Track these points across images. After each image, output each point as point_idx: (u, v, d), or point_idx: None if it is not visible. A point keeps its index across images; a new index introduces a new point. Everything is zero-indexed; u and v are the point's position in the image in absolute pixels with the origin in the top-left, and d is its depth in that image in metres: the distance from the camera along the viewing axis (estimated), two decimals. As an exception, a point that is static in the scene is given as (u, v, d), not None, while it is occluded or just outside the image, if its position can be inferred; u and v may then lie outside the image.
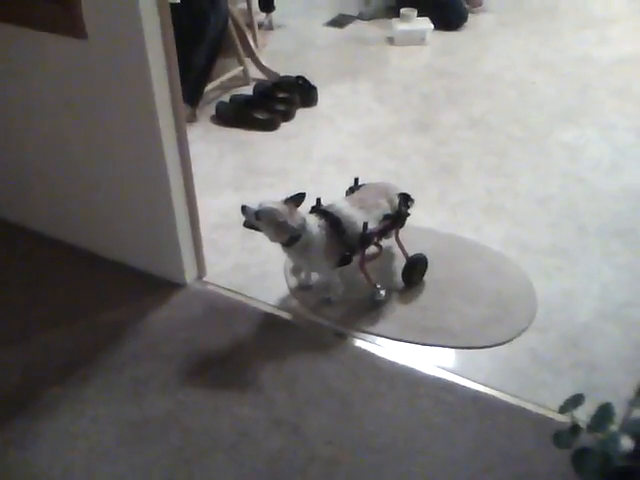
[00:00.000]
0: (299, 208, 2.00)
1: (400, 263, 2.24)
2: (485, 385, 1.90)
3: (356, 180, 2.21)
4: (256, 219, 1.95)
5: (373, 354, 2.01)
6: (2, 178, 2.44)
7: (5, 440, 1.76)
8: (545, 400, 1.84)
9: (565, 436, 1.15)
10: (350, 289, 2.19)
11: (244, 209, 1.97)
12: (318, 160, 2.94)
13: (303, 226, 1.97)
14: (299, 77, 3.43)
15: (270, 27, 4.29)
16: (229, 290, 2.23)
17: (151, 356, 2.00)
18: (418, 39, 4.04)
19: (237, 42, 3.45)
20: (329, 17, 4.44)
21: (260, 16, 4.20)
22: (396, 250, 2.27)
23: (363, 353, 2.01)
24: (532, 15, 4.51)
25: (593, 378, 1.91)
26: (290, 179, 2.79)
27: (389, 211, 2.12)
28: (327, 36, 4.24)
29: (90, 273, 2.32)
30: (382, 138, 3.11)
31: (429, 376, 1.93)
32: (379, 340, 2.05)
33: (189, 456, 1.71)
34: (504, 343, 2.03)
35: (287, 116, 3.23)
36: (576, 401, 1.18)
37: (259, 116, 3.20)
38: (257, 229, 1.99)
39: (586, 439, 1.13)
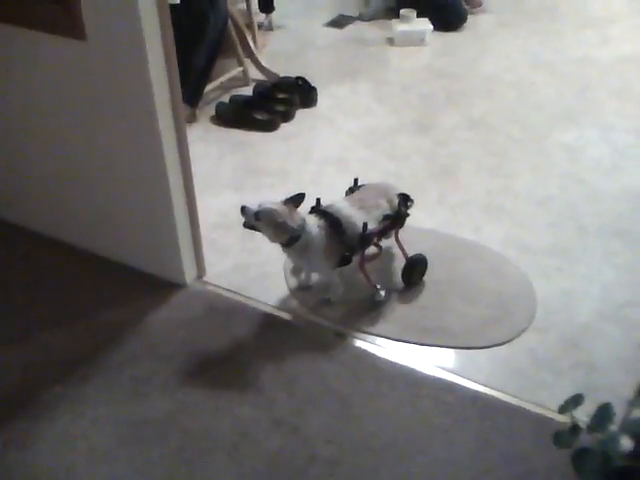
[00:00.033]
0: (299, 208, 2.00)
1: (400, 263, 2.24)
2: (485, 385, 1.90)
3: (356, 180, 2.22)
4: (256, 219, 1.95)
5: (373, 354, 2.01)
6: (2, 178, 2.44)
7: (5, 440, 1.76)
8: (545, 400, 1.84)
9: (565, 436, 1.15)
10: (350, 289, 2.19)
11: (244, 210, 1.97)
12: (318, 161, 2.94)
13: (303, 226, 1.97)
14: (299, 78, 3.43)
15: (270, 28, 4.29)
16: (229, 290, 2.24)
17: (151, 356, 2.00)
18: (418, 40, 4.04)
19: (237, 43, 3.45)
20: (329, 18, 4.44)
21: (260, 17, 4.20)
22: (396, 250, 2.27)
23: (363, 353, 2.01)
24: (532, 16, 4.51)
25: (593, 378, 1.92)
26: (290, 179, 2.79)
27: (389, 211, 2.12)
28: (327, 37, 4.24)
29: (90, 273, 2.32)
30: (382, 139, 3.11)
31: (429, 376, 1.93)
32: (379, 340, 2.05)
33: (189, 456, 1.72)
34: (504, 343, 2.03)
35: (287, 117, 3.23)
36: (576, 401, 1.18)
37: (259, 117, 3.20)
38: (257, 229, 1.99)
39: (586, 439, 1.13)
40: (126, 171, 2.08)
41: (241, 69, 3.54)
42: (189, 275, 2.25)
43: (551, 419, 1.78)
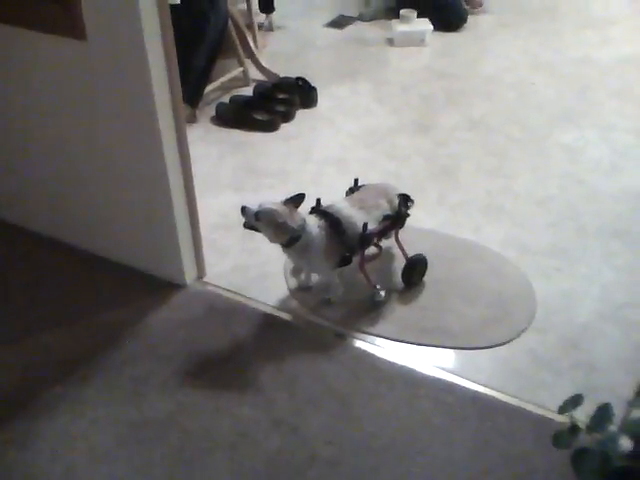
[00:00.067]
0: (299, 209, 2.00)
1: (400, 264, 2.24)
2: (485, 386, 1.90)
3: (356, 181, 2.22)
4: (256, 220, 1.95)
5: (373, 355, 2.01)
6: (2, 178, 2.44)
7: (5, 440, 1.76)
8: (544, 400, 1.84)
9: (564, 436, 1.15)
10: (350, 290, 2.19)
11: (244, 210, 1.97)
12: (318, 161, 2.94)
13: (303, 227, 1.97)
14: (299, 78, 3.43)
15: (270, 28, 4.29)
16: (229, 291, 2.24)
17: (151, 356, 2.00)
18: (418, 40, 4.04)
19: (237, 43, 3.45)
20: (329, 18, 4.45)
21: (260, 17, 4.20)
22: (396, 251, 2.28)
23: (363, 354, 2.01)
24: (532, 16, 4.51)
25: (592, 378, 1.92)
26: (290, 180, 2.79)
27: (389, 212, 2.12)
28: (327, 37, 4.24)
29: (90, 274, 2.33)
30: (382, 139, 3.11)
31: (429, 377, 1.93)
32: (379, 341, 2.05)
33: (189, 456, 1.72)
34: (504, 344, 2.03)
35: (287, 117, 3.23)
36: (575, 401, 1.18)
37: (259, 117, 3.20)
38: (257, 230, 1.99)
39: (585, 439, 1.13)
40: (126, 171, 2.08)
41: (241, 69, 3.54)
42: (189, 275, 2.25)
43: (551, 419, 1.77)
